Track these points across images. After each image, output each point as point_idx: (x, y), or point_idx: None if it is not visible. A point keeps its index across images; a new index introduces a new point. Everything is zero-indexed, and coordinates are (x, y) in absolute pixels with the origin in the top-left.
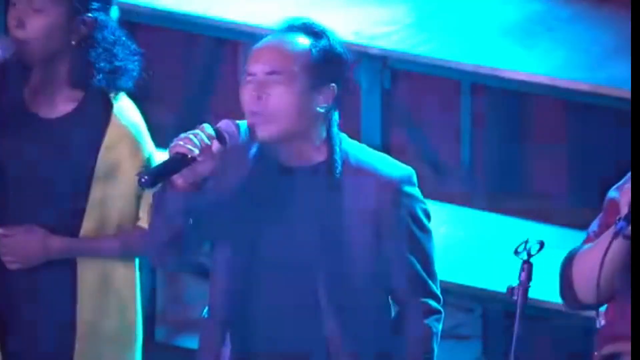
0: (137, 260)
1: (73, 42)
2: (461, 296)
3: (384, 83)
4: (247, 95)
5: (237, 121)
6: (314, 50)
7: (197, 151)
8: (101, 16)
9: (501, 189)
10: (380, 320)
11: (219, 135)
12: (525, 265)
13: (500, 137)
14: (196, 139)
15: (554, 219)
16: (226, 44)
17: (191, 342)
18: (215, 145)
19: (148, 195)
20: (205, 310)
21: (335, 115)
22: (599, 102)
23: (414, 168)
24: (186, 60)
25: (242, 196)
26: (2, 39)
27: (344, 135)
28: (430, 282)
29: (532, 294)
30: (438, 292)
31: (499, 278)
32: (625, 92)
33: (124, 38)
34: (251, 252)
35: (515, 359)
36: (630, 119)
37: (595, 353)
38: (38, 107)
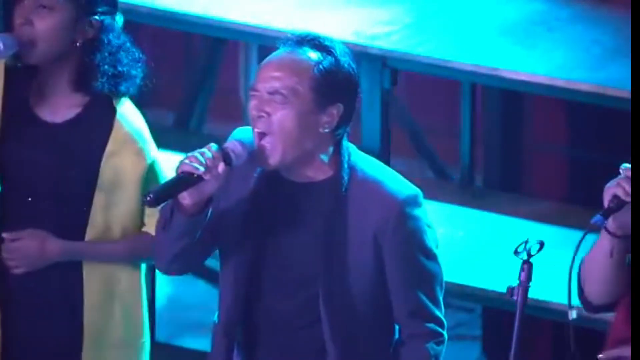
0: (143, 267)
1: (78, 44)
2: (461, 296)
3: (384, 83)
4: (251, 111)
5: (244, 141)
6: (318, 69)
7: (202, 169)
8: (107, 20)
9: (501, 189)
10: (380, 340)
11: (225, 155)
12: (525, 265)
13: (500, 137)
14: (202, 158)
15: (554, 219)
16: (226, 44)
17: (191, 342)
18: (221, 165)
19: None
20: (216, 315)
21: (345, 132)
22: (599, 102)
23: (414, 168)
24: (186, 60)
25: (247, 208)
26: (5, 36)
27: (353, 148)
28: (431, 306)
29: (532, 294)
30: (441, 315)
31: (499, 278)
32: (625, 92)
33: (128, 44)
34: (255, 262)
35: (515, 359)
36: (631, 119)
37: (601, 355)
38: (43, 111)
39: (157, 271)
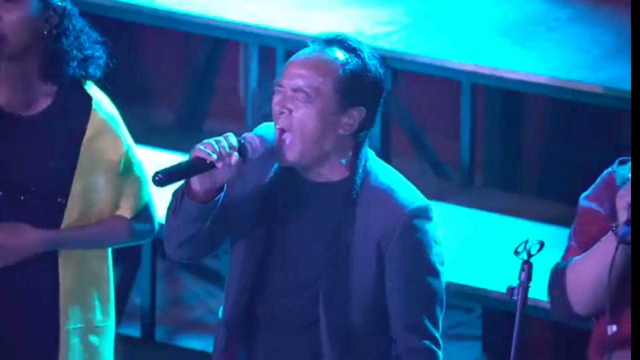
0: (109, 250)
1: (45, 32)
2: (461, 296)
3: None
4: (274, 106)
5: (264, 136)
6: (344, 70)
7: (215, 156)
8: (68, 5)
9: (501, 189)
10: (379, 350)
11: (242, 147)
12: (525, 265)
13: (500, 137)
14: (217, 146)
15: (554, 219)
16: (226, 44)
17: (191, 342)
18: (235, 157)
19: (130, 185)
20: (220, 311)
21: (366, 137)
22: (599, 102)
23: (414, 168)
24: (186, 60)
25: (260, 201)
26: None
27: (371, 153)
28: (429, 324)
29: (532, 294)
30: (436, 333)
31: (499, 278)
32: (625, 92)
33: (87, 27)
34: (263, 258)
35: (515, 359)
36: (631, 119)
37: (606, 357)
38: (14, 106)
39: (157, 271)
